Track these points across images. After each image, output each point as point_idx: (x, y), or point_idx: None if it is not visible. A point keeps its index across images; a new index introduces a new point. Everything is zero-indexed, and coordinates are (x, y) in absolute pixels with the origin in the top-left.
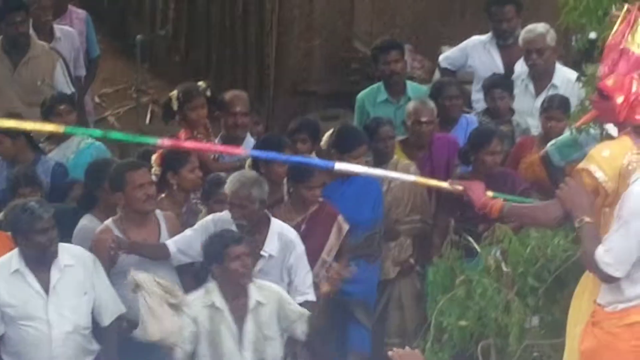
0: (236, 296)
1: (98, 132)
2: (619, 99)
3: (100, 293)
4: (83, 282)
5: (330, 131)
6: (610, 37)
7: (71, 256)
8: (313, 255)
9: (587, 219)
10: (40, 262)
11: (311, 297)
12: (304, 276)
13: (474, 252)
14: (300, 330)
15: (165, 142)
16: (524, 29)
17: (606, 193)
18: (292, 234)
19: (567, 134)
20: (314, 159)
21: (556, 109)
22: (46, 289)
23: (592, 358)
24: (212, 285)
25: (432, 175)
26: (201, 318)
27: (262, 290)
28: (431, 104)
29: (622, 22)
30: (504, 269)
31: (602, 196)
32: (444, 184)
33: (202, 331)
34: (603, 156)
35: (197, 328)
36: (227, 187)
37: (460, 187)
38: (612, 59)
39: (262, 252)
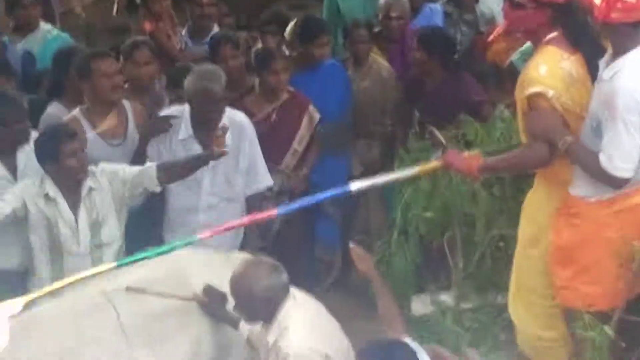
0: (71, 188)
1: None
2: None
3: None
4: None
5: (294, 21)
6: None
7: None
8: (284, 145)
9: (569, 138)
10: (8, 147)
11: (269, 181)
12: (260, 161)
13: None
14: (153, 184)
15: (205, 234)
16: None
17: (564, 107)
18: (240, 116)
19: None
20: (330, 192)
21: None
22: (13, 173)
23: (573, 250)
24: (45, 177)
25: (405, 68)
26: (33, 203)
27: (94, 176)
28: None
29: None
30: None
31: (562, 111)
32: (434, 164)
33: (33, 216)
34: (542, 74)
35: (26, 211)
36: (187, 83)
37: (437, 164)
38: None
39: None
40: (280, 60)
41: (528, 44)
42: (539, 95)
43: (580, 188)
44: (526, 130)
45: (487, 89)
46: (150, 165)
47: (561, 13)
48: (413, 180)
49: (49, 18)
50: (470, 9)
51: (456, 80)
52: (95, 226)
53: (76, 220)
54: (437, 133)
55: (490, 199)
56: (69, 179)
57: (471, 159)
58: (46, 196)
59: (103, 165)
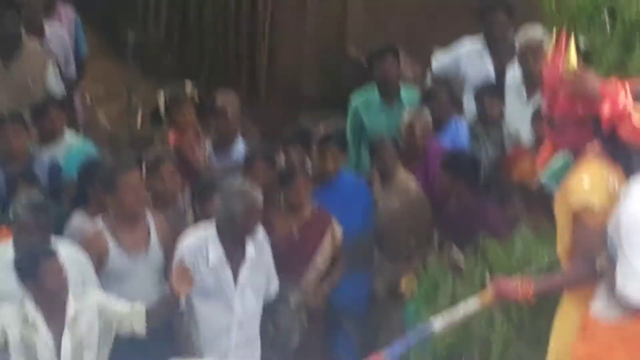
0: (53, 310)
1: None
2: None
3: (90, 289)
4: (74, 280)
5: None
6: (545, 70)
7: (65, 252)
8: (306, 262)
9: (603, 256)
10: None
11: (277, 281)
12: (272, 267)
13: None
14: (140, 327)
15: None
16: (522, 31)
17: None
18: (260, 229)
19: (557, 159)
20: (414, 335)
21: None
22: None
23: None
24: (26, 299)
25: (427, 185)
26: (12, 329)
27: (80, 300)
28: (426, 112)
29: (553, 52)
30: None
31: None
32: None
33: (13, 342)
34: (586, 188)
35: (6, 338)
36: (229, 204)
37: (490, 295)
38: (552, 89)
39: (246, 259)
40: (302, 178)
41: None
42: (584, 210)
43: (597, 306)
44: (569, 245)
45: (512, 208)
46: (140, 310)
47: (598, 124)
48: (432, 300)
49: (74, 128)
50: (496, 126)
51: (480, 206)
52: (78, 352)
53: (59, 345)
54: (458, 256)
55: (507, 323)
56: (50, 299)
57: (524, 284)
58: (25, 320)
59: (97, 294)
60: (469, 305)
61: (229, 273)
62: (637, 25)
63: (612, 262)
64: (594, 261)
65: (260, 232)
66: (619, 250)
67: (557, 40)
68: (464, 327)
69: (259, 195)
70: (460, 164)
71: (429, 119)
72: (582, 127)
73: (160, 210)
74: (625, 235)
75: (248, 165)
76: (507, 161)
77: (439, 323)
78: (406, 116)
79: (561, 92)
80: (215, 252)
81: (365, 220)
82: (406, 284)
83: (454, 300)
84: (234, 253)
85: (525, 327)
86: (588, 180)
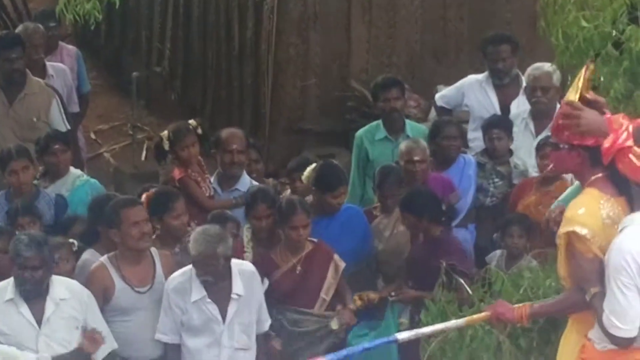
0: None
1: None
2: (606, 142)
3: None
4: (76, 317)
5: (312, 166)
6: (567, 94)
7: (67, 290)
8: (311, 295)
9: (593, 290)
10: (33, 293)
11: (269, 320)
12: (263, 304)
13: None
14: None
15: None
16: (531, 66)
17: (600, 247)
18: (249, 266)
19: (569, 188)
20: (377, 341)
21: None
22: (39, 321)
23: None
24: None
25: None
26: None
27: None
28: (423, 143)
29: (578, 78)
30: None
31: (598, 252)
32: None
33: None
34: (580, 214)
35: None
36: (191, 246)
37: (483, 315)
38: (558, 112)
39: (232, 295)
40: (301, 214)
41: (564, 196)
42: (573, 234)
43: (595, 332)
44: (565, 272)
45: (513, 239)
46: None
47: (596, 155)
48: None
49: (78, 163)
50: (503, 161)
51: (444, 241)
52: None
53: None
54: (465, 286)
55: (516, 350)
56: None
57: (520, 308)
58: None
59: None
60: (453, 323)
61: (214, 308)
62: None
63: (602, 295)
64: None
65: (251, 269)
66: (607, 283)
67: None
68: (472, 357)
69: (221, 245)
70: (420, 202)
71: (426, 148)
72: (575, 152)
73: (168, 246)
74: (612, 273)
75: (250, 206)
76: (513, 194)
77: (403, 335)
78: (402, 145)
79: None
80: (197, 289)
81: (365, 243)
82: (355, 301)
83: (462, 330)
84: (219, 289)
85: (533, 354)
86: (582, 207)
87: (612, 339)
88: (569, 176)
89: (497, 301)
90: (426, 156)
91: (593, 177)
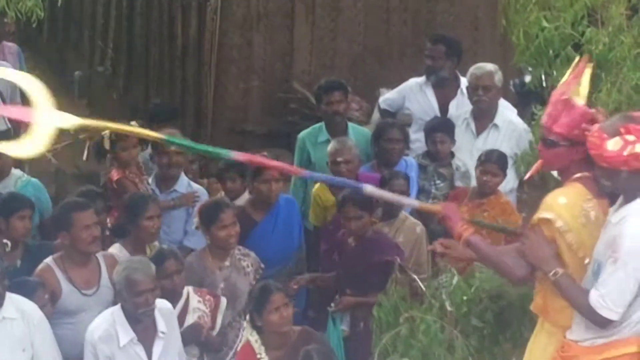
0: None
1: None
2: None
3: (40, 352)
4: (22, 338)
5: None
6: (558, 86)
7: (16, 309)
8: None
9: (560, 270)
10: None
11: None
12: (180, 344)
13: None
14: None
15: (240, 156)
16: (474, 65)
17: (567, 243)
18: (165, 303)
19: None
20: (346, 182)
21: (493, 163)
22: None
23: None
24: None
25: None
26: None
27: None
28: (350, 143)
29: (571, 72)
30: (448, 308)
31: (563, 247)
32: (435, 207)
33: None
34: (560, 203)
35: None
36: (115, 276)
37: (437, 208)
38: (556, 108)
39: (158, 334)
40: (227, 214)
41: None
42: (546, 222)
43: (576, 333)
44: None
45: None
46: None
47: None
48: (393, 326)
49: (19, 163)
50: (445, 163)
51: (375, 241)
52: None
53: None
54: (419, 283)
55: (466, 348)
56: None
57: (464, 228)
58: None
59: None
60: (410, 201)
61: (140, 349)
62: (603, 61)
63: (591, 284)
64: (531, 268)
65: (164, 303)
66: (606, 268)
67: (575, 67)
68: (424, 353)
69: (143, 275)
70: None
71: (352, 147)
72: (574, 149)
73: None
74: (623, 257)
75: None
76: (449, 199)
77: (369, 189)
78: (330, 145)
79: (563, 115)
80: (124, 331)
81: (300, 239)
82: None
83: (413, 325)
84: (144, 329)
85: (483, 355)
86: (564, 199)
87: (595, 317)
88: (506, 189)
89: (452, 205)
90: (353, 156)
91: (580, 174)
